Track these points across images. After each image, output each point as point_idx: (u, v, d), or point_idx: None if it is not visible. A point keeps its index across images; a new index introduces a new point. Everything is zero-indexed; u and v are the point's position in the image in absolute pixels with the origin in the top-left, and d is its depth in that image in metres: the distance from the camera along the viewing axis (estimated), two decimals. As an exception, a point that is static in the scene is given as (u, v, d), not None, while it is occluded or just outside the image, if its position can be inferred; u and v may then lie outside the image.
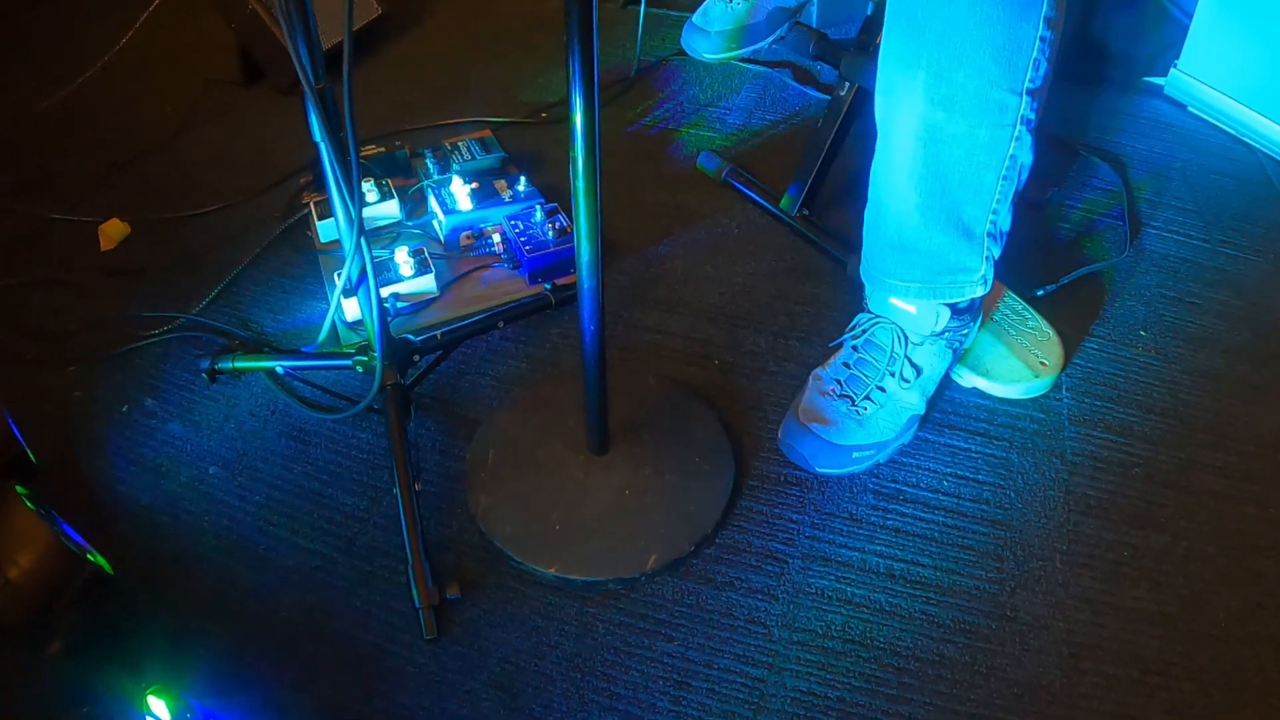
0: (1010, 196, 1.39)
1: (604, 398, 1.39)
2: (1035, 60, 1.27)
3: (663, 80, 2.32)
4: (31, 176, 2.08)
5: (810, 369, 1.56)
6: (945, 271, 1.44)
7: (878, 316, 1.52)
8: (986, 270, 1.45)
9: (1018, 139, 1.33)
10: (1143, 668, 1.28)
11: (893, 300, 1.49)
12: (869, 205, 1.47)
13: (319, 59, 1.18)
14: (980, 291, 1.46)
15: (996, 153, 1.34)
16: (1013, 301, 1.66)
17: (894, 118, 1.35)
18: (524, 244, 1.77)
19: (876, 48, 1.34)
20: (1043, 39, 1.26)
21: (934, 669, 1.28)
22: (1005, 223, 1.42)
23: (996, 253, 1.44)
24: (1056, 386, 1.60)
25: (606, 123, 2.10)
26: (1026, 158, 1.36)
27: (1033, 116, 1.32)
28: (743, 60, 2.32)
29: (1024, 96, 1.29)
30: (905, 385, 1.49)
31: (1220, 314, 1.72)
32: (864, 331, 1.52)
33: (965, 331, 1.54)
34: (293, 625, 1.33)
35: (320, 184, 1.87)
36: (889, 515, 1.45)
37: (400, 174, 1.98)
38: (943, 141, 1.33)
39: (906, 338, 1.49)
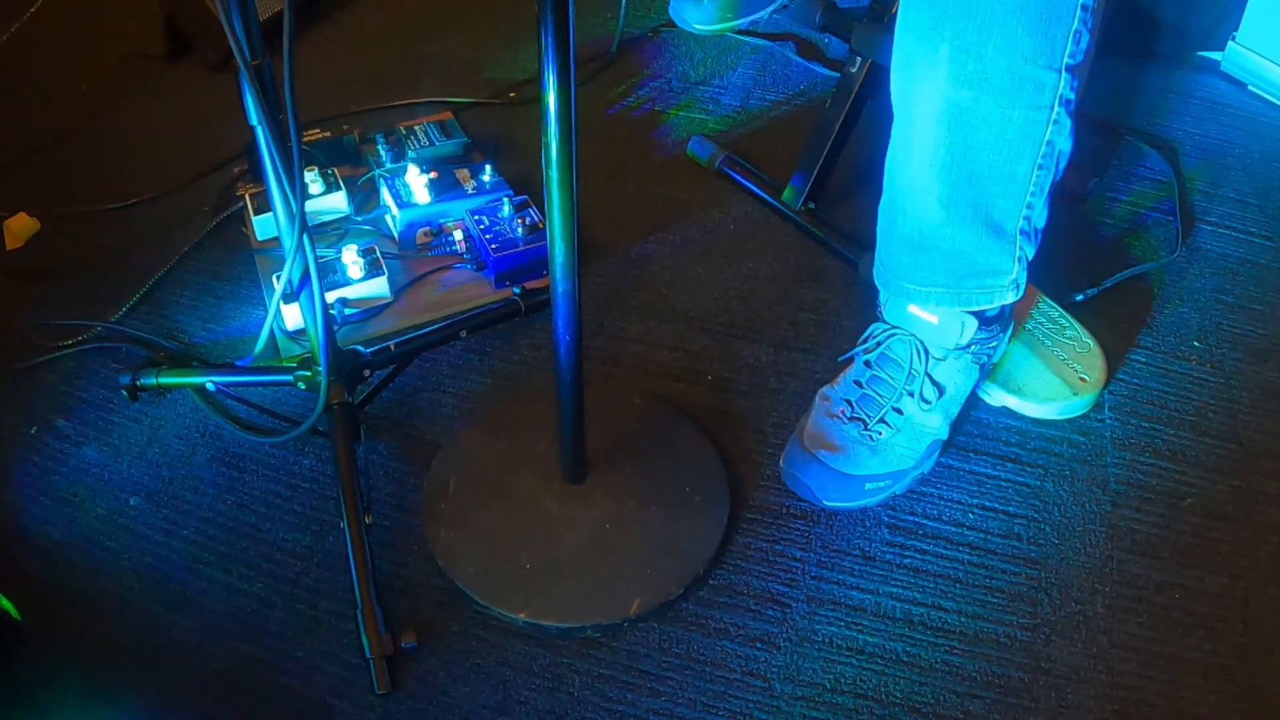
0: (1047, 188, 1.39)
1: (581, 418, 1.40)
2: (1076, 32, 1.26)
3: (648, 55, 2.33)
4: (-75, 164, 2.09)
5: (817, 385, 1.57)
6: (972, 275, 1.44)
7: (894, 327, 1.52)
8: (1019, 273, 1.45)
9: (1055, 122, 1.32)
10: (1196, 726, 1.29)
11: (911, 308, 1.49)
12: (883, 199, 1.48)
13: (255, 30, 1.18)
14: (1012, 297, 1.47)
15: (1031, 138, 1.33)
16: (1048, 308, 1.68)
17: (913, 98, 1.35)
18: (490, 242, 1.78)
19: (892, 18, 1.35)
20: (1084, 8, 1.25)
21: (958, 728, 1.29)
22: (1041, 219, 1.42)
23: (1030, 253, 1.44)
24: (1098, 405, 1.62)
25: (584, 104, 2.11)
26: (1065, 144, 1.36)
27: (1072, 97, 1.31)
28: (739, 32, 2.33)
29: (1062, 73, 1.29)
30: (926, 407, 1.50)
31: (1284, 322, 1.74)
32: (878, 344, 1.53)
33: (994, 344, 1.55)
34: (225, 678, 1.33)
35: (257, 173, 1.89)
36: (906, 552, 1.46)
37: (348, 162, 1.98)
38: (969, 125, 1.32)
39: (927, 352, 1.50)
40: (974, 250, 1.42)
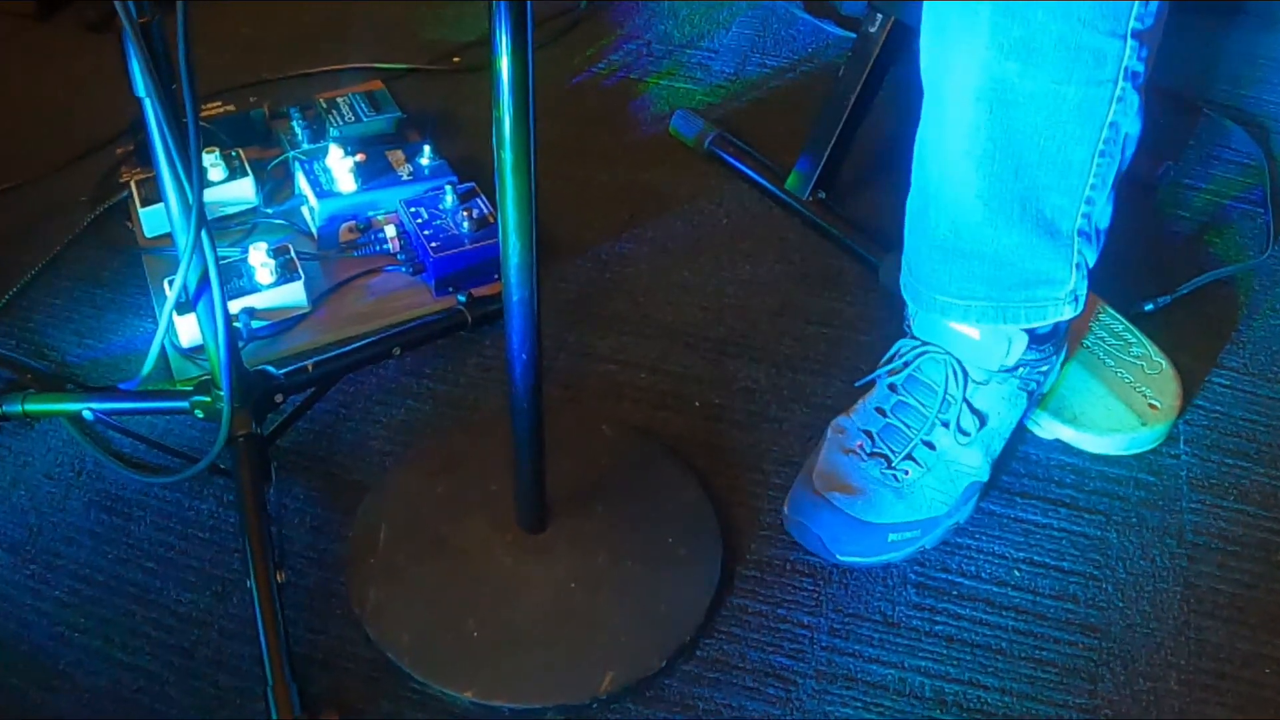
0: (1110, 180, 1.39)
1: (540, 454, 1.40)
2: None
3: (623, 12, 2.34)
4: None
5: (829, 414, 1.57)
6: (1020, 285, 1.44)
7: (925, 344, 1.51)
8: (1077, 283, 1.44)
9: (1119, 99, 1.32)
10: (1289, 828, 1.30)
11: (946, 322, 1.50)
12: (912, 193, 1.48)
13: (144, -19, 1.19)
14: (1069, 313, 1.47)
15: (1090, 119, 1.33)
16: (1111, 320, 1.69)
17: (947, 69, 1.35)
18: (429, 240, 1.79)
19: (920, -32, 1.36)
20: None
21: (1000, 830, 1.31)
22: (1103, 216, 1.42)
23: (1091, 259, 1.44)
24: (1171, 438, 1.63)
25: (545, 70, 2.12)
26: (1132, 125, 1.35)
27: (1140, 68, 1.30)
28: (737, -16, 2.36)
29: (1128, 40, 1.28)
30: (963, 440, 1.50)
31: (1396, 337, 1.76)
32: (906, 364, 1.52)
33: (1045, 367, 1.55)
34: (104, 773, 1.33)
35: (145, 156, 1.89)
36: (937, 618, 1.46)
37: (257, 142, 2.00)
38: (1016, 104, 1.31)
39: (966, 374, 1.49)
40: (1022, 255, 1.41)
